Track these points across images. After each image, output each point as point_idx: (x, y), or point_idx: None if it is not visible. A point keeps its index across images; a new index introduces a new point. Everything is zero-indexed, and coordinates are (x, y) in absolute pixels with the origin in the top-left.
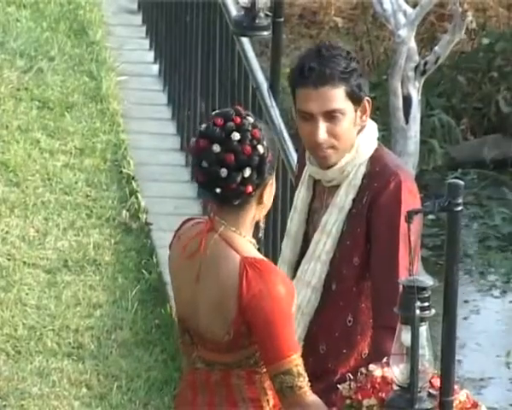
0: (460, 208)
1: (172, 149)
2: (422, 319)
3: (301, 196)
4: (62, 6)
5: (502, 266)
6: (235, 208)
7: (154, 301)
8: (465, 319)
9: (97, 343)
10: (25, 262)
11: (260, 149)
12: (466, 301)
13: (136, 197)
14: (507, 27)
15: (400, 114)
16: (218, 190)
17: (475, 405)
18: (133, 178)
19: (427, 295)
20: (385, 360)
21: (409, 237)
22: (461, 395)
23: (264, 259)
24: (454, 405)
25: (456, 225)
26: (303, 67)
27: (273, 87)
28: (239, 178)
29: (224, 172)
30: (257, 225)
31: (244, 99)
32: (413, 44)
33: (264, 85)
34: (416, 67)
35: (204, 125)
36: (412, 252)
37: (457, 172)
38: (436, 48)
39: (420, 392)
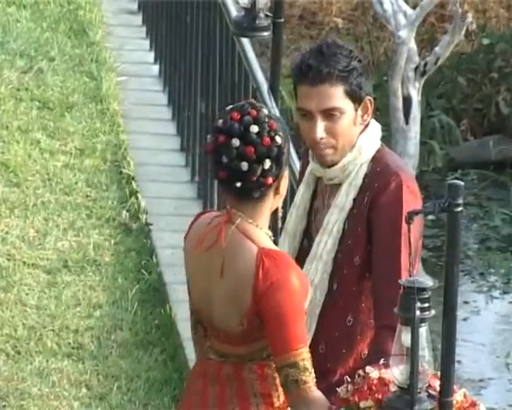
0: (460, 209)
1: (172, 149)
2: (422, 320)
3: (300, 192)
4: (62, 6)
5: (502, 267)
6: (254, 201)
7: (153, 302)
8: (465, 319)
9: (97, 344)
10: (25, 262)
11: (278, 139)
12: (466, 302)
13: (136, 198)
14: (507, 28)
15: (400, 114)
16: (238, 185)
17: (473, 404)
18: (133, 178)
19: (427, 296)
20: (383, 360)
21: (409, 237)
22: (458, 395)
23: (281, 251)
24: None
25: (457, 225)
26: (302, 64)
27: (273, 88)
28: (259, 171)
29: (244, 165)
30: (274, 214)
31: (244, 100)
32: (413, 45)
33: (265, 86)
34: (416, 68)
35: (220, 121)
36: (413, 253)
37: (457, 172)
38: (436, 49)
39: (419, 393)
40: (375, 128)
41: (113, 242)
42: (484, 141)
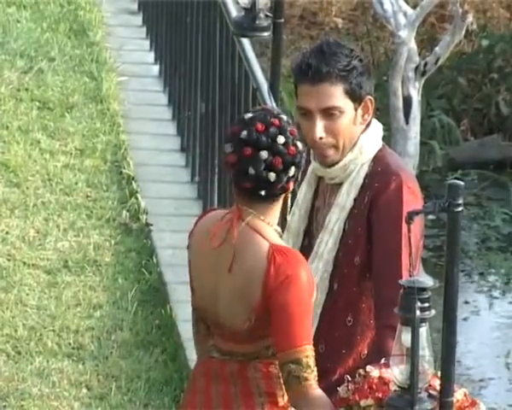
0: (460, 209)
1: (173, 149)
2: (423, 320)
3: (303, 191)
4: (62, 7)
5: (502, 267)
6: (267, 201)
7: (154, 302)
8: (465, 319)
9: (97, 344)
10: (25, 263)
11: (300, 146)
12: (466, 302)
13: (137, 198)
14: (507, 29)
15: (400, 114)
16: (263, 193)
17: (474, 403)
18: (133, 178)
19: (427, 296)
20: (383, 360)
21: (409, 237)
22: (458, 394)
23: (291, 248)
24: None
25: (457, 225)
26: (302, 63)
27: (273, 88)
28: (285, 179)
29: (272, 176)
30: (284, 207)
31: (244, 100)
32: (413, 45)
33: (265, 86)
34: (417, 68)
35: (245, 132)
36: (413, 253)
37: (457, 173)
38: (436, 49)
39: (420, 393)
40: (377, 128)
41: (113, 242)
42: (484, 141)
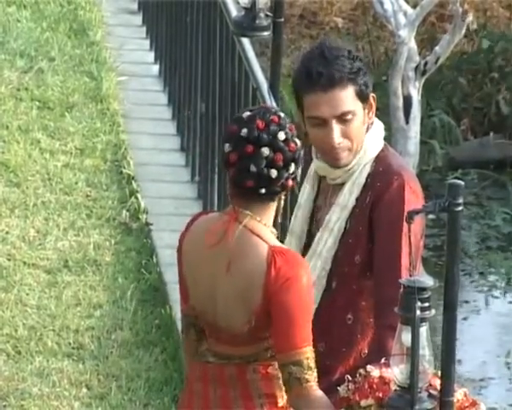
0: (460, 209)
1: (172, 149)
2: (423, 320)
3: (306, 192)
4: (62, 6)
5: (502, 267)
6: (265, 200)
7: (154, 302)
8: (465, 319)
9: (97, 344)
10: (25, 262)
11: (298, 142)
12: (466, 302)
13: (136, 198)
14: (507, 28)
15: (400, 114)
16: (263, 191)
17: (474, 403)
18: (133, 178)
19: (427, 296)
20: (384, 360)
21: (409, 237)
22: (458, 394)
23: (290, 249)
24: None
25: (457, 225)
26: (310, 72)
27: (273, 87)
28: (286, 176)
29: (274, 172)
30: (277, 209)
31: (244, 99)
32: (413, 45)
33: (265, 86)
34: (417, 68)
35: (245, 130)
36: (413, 252)
37: (458, 172)
38: (436, 48)
39: (420, 392)
40: (379, 127)
41: (113, 241)
42: (484, 140)
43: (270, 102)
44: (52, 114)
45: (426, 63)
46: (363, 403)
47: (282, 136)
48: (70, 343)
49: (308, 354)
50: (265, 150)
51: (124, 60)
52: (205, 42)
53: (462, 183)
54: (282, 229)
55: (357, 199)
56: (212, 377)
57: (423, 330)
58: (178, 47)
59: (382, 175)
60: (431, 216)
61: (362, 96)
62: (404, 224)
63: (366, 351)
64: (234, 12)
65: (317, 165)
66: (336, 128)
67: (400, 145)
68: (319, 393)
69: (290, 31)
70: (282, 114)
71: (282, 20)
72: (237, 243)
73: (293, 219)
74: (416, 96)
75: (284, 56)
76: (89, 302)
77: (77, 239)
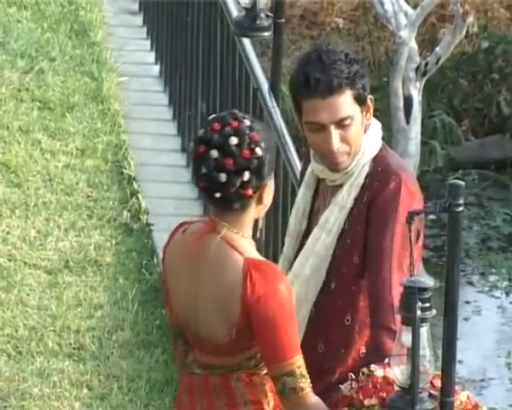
0: (461, 209)
1: (173, 149)
2: (423, 320)
3: (301, 192)
4: (63, 7)
5: (503, 267)
6: (235, 211)
7: (154, 302)
8: (466, 319)
9: (98, 344)
10: (26, 263)
11: (259, 151)
12: (467, 302)
13: (137, 198)
14: (508, 29)
15: (401, 114)
16: (217, 195)
17: (476, 406)
18: (134, 178)
19: (427, 296)
20: (387, 360)
21: (409, 237)
22: (462, 396)
23: (267, 260)
24: (455, 405)
25: (457, 225)
26: (308, 78)
27: (274, 88)
28: (238, 182)
29: (223, 176)
30: (255, 224)
31: (245, 100)
32: (414, 45)
33: (265, 86)
34: (417, 68)
35: (201, 131)
36: (404, 252)
37: (458, 172)
38: (437, 49)
39: (421, 393)
40: (377, 127)
41: (114, 242)
42: (485, 141)
43: (271, 102)
44: (53, 115)
45: (426, 64)
46: (366, 402)
47: (234, 140)
48: (71, 344)
49: (299, 362)
50: (214, 152)
51: (124, 60)
52: (205, 42)
53: (463, 183)
54: (282, 229)
55: (355, 199)
56: (197, 389)
57: (424, 330)
58: (179, 47)
59: (381, 175)
60: (431, 216)
61: (360, 100)
62: (398, 224)
63: (364, 351)
64: (234, 12)
65: (315, 167)
66: (335, 133)
67: (401, 146)
68: (315, 399)
69: (291, 31)
70: (248, 122)
71: (283, 20)
72: (215, 255)
73: (290, 219)
74: (416, 96)
75: (285, 57)
76: (89, 303)
77: (77, 240)
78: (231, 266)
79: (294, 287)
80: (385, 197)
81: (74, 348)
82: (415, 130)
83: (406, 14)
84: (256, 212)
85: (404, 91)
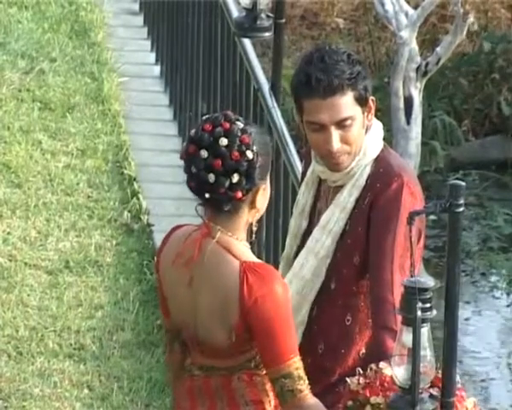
0: (461, 209)
1: (174, 150)
2: (424, 320)
3: (301, 192)
4: (64, 7)
5: (503, 267)
6: (228, 213)
7: (155, 302)
8: (467, 319)
9: (99, 344)
10: (26, 263)
11: (249, 154)
12: (467, 302)
13: (138, 198)
14: (508, 29)
15: (402, 115)
16: (207, 196)
17: None
18: (134, 179)
19: (428, 297)
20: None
21: (410, 238)
22: (468, 403)
23: (263, 262)
24: None
25: (458, 226)
26: (309, 78)
27: (274, 88)
28: (227, 184)
29: (211, 177)
30: (249, 228)
31: (245, 100)
32: (414, 45)
33: (266, 86)
34: (418, 68)
35: (193, 131)
36: (404, 253)
37: (459, 173)
38: (437, 49)
39: (421, 393)
40: (378, 128)
41: (114, 242)
42: (485, 141)
43: (272, 102)
44: (53, 115)
45: (427, 64)
46: (372, 400)
47: (223, 141)
48: (71, 344)
49: (297, 364)
50: (203, 153)
51: (125, 61)
52: (206, 43)
53: (464, 183)
54: (282, 230)
55: (357, 200)
56: (198, 391)
57: (424, 330)
58: (179, 48)
59: (382, 176)
60: (432, 217)
61: (361, 101)
62: (400, 224)
63: (364, 351)
64: (235, 13)
65: (316, 168)
66: (335, 134)
67: (401, 146)
68: (314, 400)
69: (291, 31)
70: (241, 125)
71: (284, 20)
72: (211, 260)
73: (291, 219)
74: (417, 96)
75: (285, 57)
76: (90, 303)
77: (78, 240)
78: (228, 271)
79: (294, 287)
80: (387, 198)
81: (75, 349)
82: (415, 130)
83: (407, 15)
84: (249, 216)
85: (404, 92)
